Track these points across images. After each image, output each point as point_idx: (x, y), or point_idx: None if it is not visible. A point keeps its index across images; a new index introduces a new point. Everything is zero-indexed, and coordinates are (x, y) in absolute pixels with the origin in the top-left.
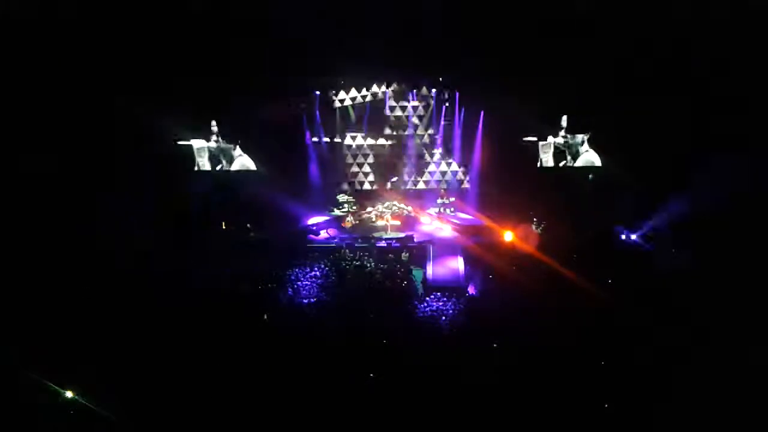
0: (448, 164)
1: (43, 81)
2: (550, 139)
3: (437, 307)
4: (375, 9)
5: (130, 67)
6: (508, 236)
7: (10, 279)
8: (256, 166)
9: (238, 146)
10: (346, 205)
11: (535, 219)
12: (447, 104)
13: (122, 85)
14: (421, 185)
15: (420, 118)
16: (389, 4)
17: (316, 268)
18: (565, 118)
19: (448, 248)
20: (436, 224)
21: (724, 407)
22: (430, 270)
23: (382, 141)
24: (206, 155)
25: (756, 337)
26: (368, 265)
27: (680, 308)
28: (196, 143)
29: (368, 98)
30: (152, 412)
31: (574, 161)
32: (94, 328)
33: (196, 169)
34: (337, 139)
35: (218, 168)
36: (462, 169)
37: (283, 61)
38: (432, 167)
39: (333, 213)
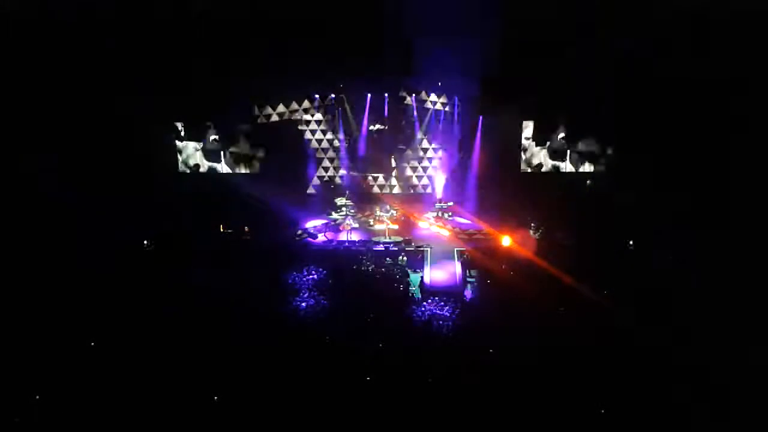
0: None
1: (40, 80)
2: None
3: (434, 311)
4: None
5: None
6: (506, 241)
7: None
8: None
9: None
10: (344, 209)
11: (533, 224)
12: (446, 108)
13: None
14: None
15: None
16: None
17: (313, 271)
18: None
19: (445, 252)
20: (434, 228)
21: (723, 408)
22: (427, 274)
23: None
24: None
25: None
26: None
27: (676, 309)
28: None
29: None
30: (150, 412)
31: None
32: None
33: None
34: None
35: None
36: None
37: (283, 62)
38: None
39: (331, 216)
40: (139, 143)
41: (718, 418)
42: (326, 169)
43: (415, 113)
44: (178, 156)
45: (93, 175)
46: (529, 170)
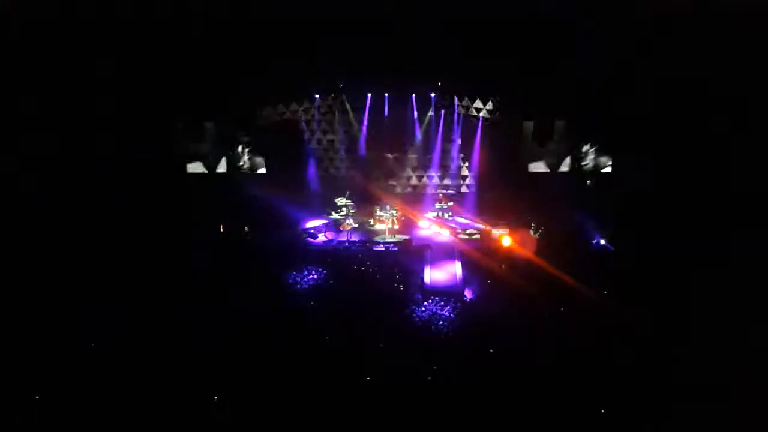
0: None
1: (43, 80)
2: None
3: (434, 312)
4: (374, 12)
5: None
6: (506, 241)
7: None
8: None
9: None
10: (344, 209)
11: (533, 224)
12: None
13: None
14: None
15: (419, 122)
16: (388, 7)
17: (313, 272)
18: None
19: (445, 253)
20: (434, 228)
21: (723, 409)
22: (427, 274)
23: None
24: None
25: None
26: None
27: (676, 309)
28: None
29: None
30: (150, 412)
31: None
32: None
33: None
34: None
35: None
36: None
37: (282, 63)
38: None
39: (331, 216)
40: (140, 143)
41: (717, 418)
42: (326, 169)
43: (416, 113)
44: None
45: (94, 176)
46: (530, 170)
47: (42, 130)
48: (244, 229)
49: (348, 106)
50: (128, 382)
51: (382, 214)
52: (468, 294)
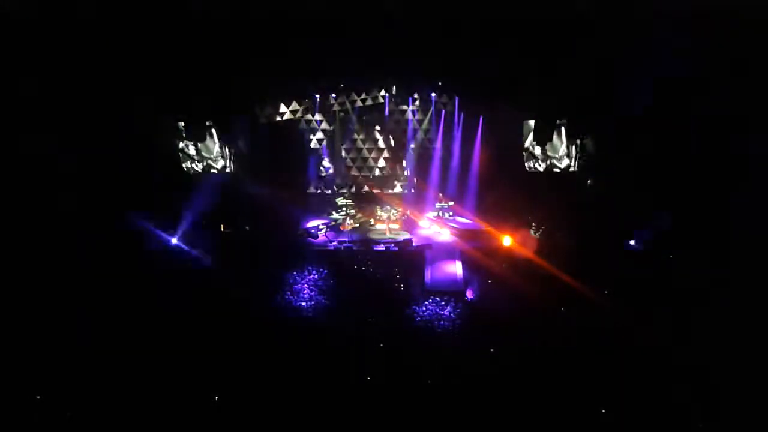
0: None
1: (44, 80)
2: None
3: (435, 312)
4: (374, 11)
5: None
6: (507, 241)
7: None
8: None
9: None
10: (344, 209)
11: (533, 224)
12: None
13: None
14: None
15: (419, 122)
16: (388, 6)
17: (314, 272)
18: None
19: (446, 252)
20: (434, 228)
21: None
22: (428, 274)
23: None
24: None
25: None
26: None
27: (678, 311)
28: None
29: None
30: (150, 412)
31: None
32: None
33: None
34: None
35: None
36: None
37: (282, 62)
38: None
39: (332, 216)
40: (141, 142)
41: (717, 419)
42: (327, 169)
43: (416, 113)
44: (180, 156)
45: (94, 176)
46: (530, 170)
47: (40, 129)
48: (245, 228)
49: (349, 106)
50: (129, 381)
51: (382, 214)
52: (469, 294)
